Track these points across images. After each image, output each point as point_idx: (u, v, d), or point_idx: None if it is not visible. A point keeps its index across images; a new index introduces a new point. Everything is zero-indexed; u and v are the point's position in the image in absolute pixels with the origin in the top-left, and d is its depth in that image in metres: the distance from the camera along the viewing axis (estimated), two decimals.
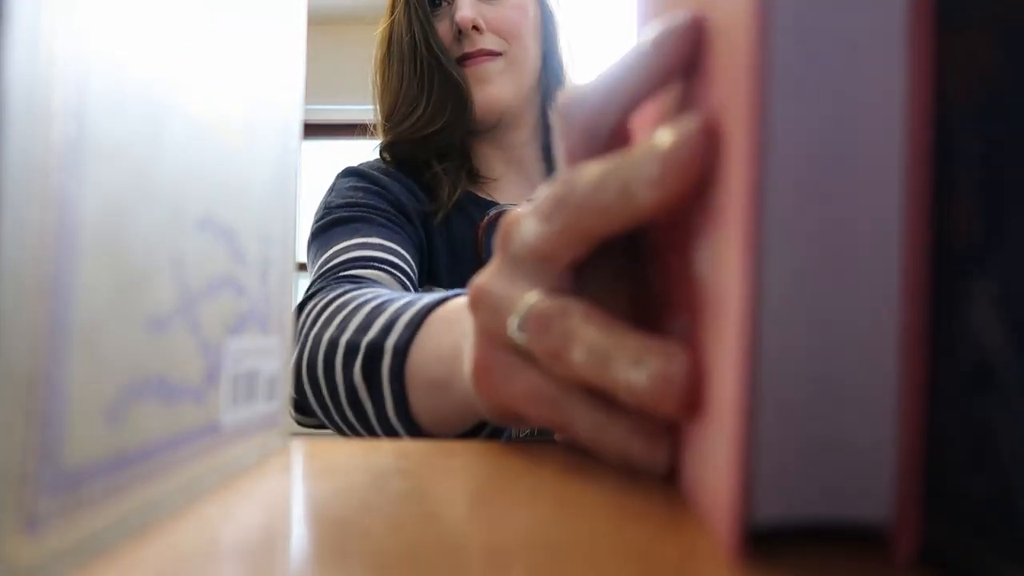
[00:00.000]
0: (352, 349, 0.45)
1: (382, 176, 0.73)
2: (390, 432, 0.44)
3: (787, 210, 0.16)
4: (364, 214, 0.68)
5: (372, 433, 0.46)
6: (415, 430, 0.43)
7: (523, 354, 0.24)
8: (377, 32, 0.78)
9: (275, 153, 0.27)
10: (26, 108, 0.13)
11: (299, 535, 0.18)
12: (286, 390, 0.29)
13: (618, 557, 0.16)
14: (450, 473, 0.25)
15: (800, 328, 0.16)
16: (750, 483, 0.16)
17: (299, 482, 0.24)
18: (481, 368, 0.26)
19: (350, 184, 0.73)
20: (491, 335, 0.25)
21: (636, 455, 0.22)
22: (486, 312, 0.25)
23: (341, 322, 0.48)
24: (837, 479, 0.16)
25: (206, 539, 0.17)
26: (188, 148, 0.20)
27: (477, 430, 0.43)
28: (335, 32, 2.82)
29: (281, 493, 0.22)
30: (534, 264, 0.24)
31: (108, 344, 0.16)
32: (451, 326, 0.39)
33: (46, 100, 0.14)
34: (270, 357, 0.27)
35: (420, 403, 0.42)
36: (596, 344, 0.21)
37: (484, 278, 0.25)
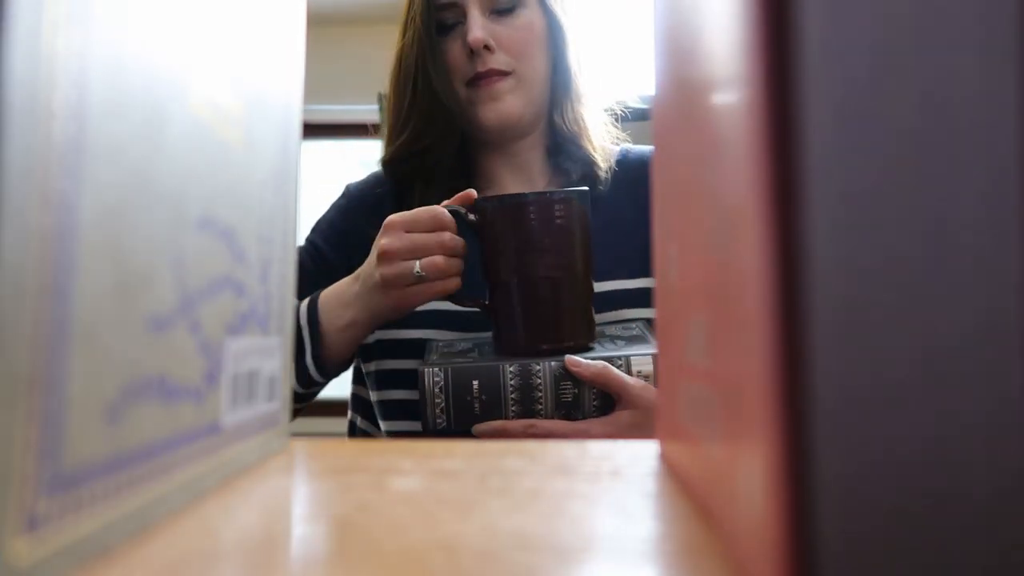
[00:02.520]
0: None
1: (368, 200, 0.81)
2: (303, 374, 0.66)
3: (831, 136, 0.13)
4: (304, 264, 0.77)
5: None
6: (323, 367, 0.66)
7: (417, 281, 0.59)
8: (395, 52, 0.81)
9: (275, 153, 0.27)
10: (26, 108, 0.13)
11: (299, 535, 0.18)
12: (286, 390, 0.29)
13: (619, 558, 0.16)
14: (449, 473, 0.25)
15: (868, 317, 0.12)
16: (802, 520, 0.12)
17: (299, 482, 0.24)
18: (396, 293, 0.61)
19: (329, 217, 0.82)
20: (398, 280, 0.60)
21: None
22: (394, 269, 0.60)
23: None
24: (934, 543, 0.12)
25: (206, 539, 0.17)
26: (188, 148, 0.20)
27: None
28: (335, 32, 2.82)
29: (281, 493, 0.22)
30: None
31: (108, 344, 0.16)
32: (339, 291, 0.66)
33: (46, 100, 0.14)
34: (270, 357, 0.27)
35: (333, 348, 0.66)
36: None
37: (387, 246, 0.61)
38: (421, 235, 0.59)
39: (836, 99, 0.13)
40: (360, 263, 0.71)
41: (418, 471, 0.25)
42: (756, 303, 0.14)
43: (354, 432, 0.82)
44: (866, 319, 0.12)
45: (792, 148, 0.13)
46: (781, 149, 0.13)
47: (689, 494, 0.22)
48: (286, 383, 0.29)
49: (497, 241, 0.61)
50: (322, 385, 0.69)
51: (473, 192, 0.63)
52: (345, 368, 0.70)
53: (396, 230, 0.60)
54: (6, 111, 0.13)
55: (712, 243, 0.18)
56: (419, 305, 0.62)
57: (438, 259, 0.59)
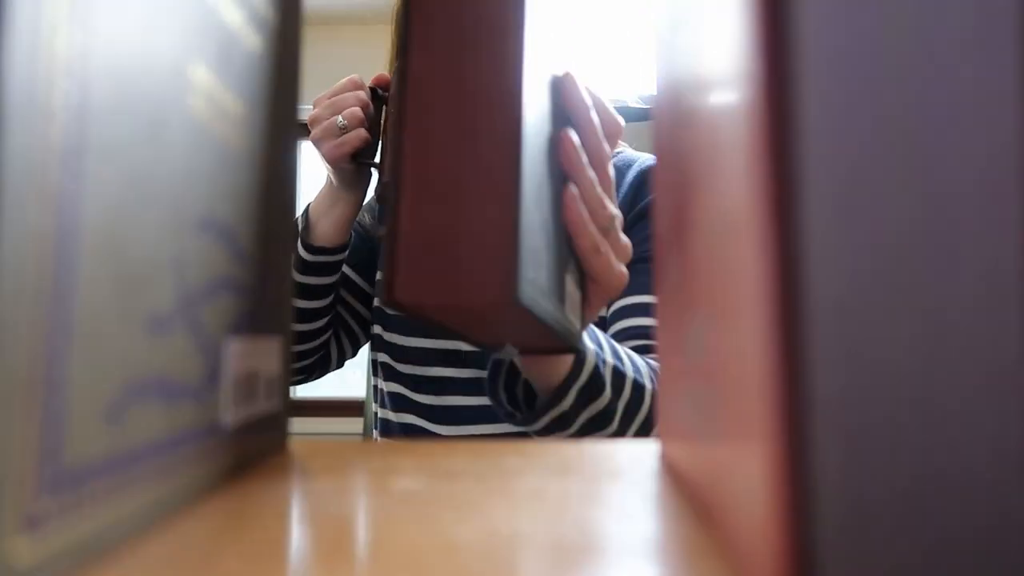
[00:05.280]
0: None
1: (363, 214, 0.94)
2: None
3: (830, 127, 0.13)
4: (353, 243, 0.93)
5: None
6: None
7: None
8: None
9: (275, 153, 0.27)
10: (26, 108, 0.13)
11: (299, 535, 0.18)
12: (286, 390, 0.29)
13: (619, 558, 0.16)
14: (449, 473, 0.25)
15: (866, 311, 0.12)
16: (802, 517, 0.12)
17: (299, 482, 0.24)
18: (328, 145, 0.71)
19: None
20: (327, 135, 0.72)
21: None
22: (321, 128, 0.73)
23: None
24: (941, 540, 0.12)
25: (206, 539, 0.17)
26: (188, 148, 0.20)
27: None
28: (335, 32, 2.82)
29: (281, 493, 0.22)
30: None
31: (108, 344, 0.16)
32: (319, 193, 0.79)
33: (46, 100, 0.14)
34: (270, 357, 0.27)
35: (322, 232, 0.78)
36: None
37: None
38: (339, 96, 0.72)
39: (836, 99, 0.13)
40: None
41: (418, 471, 0.25)
42: (756, 303, 0.14)
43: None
44: (866, 319, 0.12)
45: (792, 148, 0.13)
46: (781, 149, 0.13)
47: (689, 494, 0.22)
48: (286, 383, 0.29)
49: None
50: (320, 269, 0.78)
51: (386, 74, 0.77)
52: (337, 253, 0.79)
53: (319, 102, 0.73)
54: (6, 111, 0.13)
55: (712, 243, 0.18)
56: (352, 152, 0.72)
57: (356, 110, 0.71)
